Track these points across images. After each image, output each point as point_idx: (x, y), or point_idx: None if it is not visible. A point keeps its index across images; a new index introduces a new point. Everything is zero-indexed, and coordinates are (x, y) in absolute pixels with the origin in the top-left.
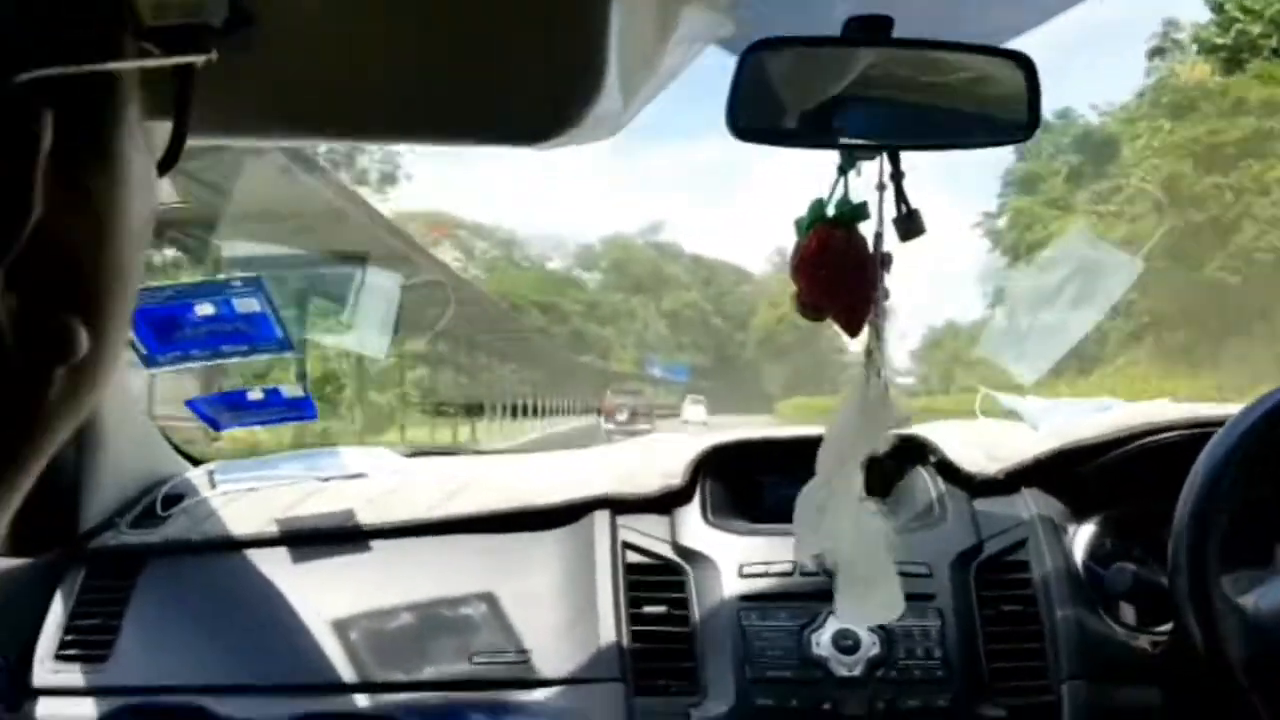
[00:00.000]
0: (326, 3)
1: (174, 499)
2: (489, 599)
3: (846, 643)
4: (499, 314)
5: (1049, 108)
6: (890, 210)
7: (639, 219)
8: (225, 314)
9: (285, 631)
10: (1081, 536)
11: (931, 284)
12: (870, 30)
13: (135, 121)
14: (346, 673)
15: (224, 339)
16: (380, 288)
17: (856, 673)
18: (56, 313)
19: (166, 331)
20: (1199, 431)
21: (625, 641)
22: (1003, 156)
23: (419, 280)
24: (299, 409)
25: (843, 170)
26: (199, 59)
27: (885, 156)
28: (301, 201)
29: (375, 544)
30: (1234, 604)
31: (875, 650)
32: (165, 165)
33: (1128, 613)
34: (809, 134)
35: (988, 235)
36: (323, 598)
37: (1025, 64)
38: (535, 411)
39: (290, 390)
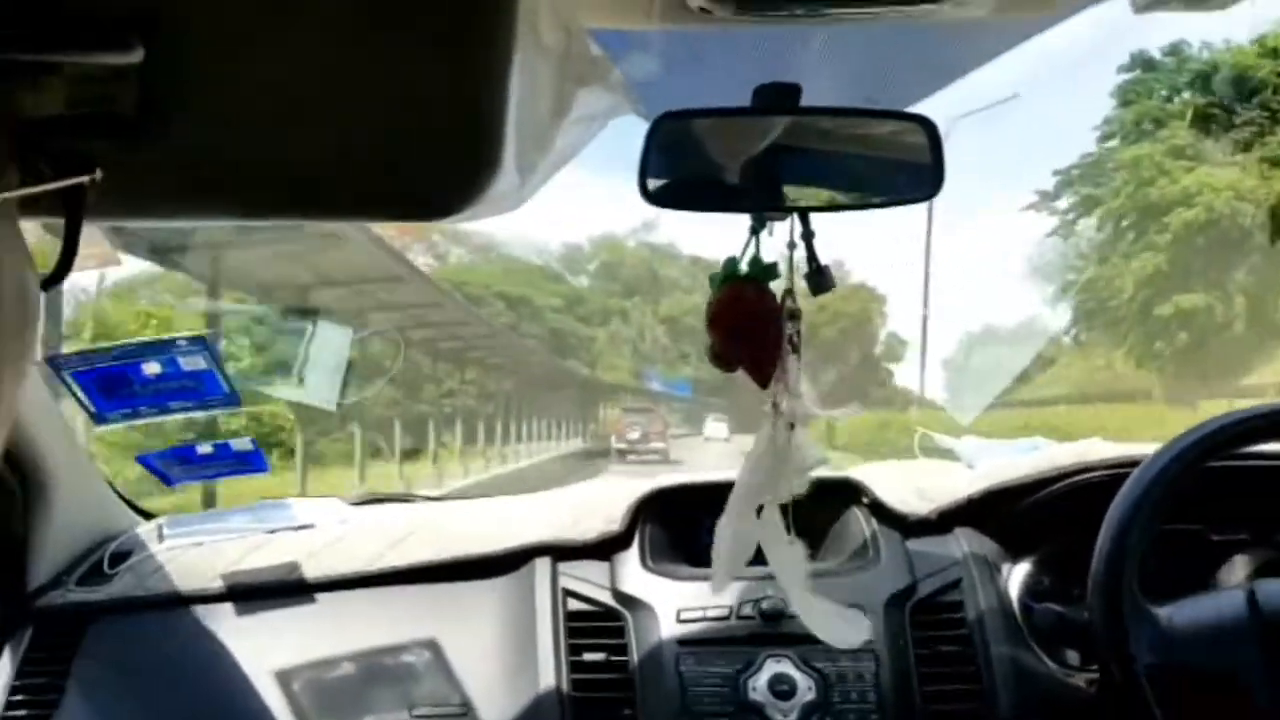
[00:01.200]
0: (223, 88)
1: (122, 555)
2: (431, 649)
3: (782, 688)
4: (461, 315)
5: (1157, 45)
6: (802, 266)
7: (631, 218)
8: (172, 372)
9: (229, 687)
10: (1015, 575)
11: (971, 283)
12: (779, 98)
13: (7, 226)
14: None
15: (171, 395)
16: (331, 340)
17: (792, 718)
18: None
19: (114, 389)
20: (1123, 471)
21: (565, 689)
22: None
23: (369, 332)
24: (248, 462)
25: (754, 230)
26: (84, 179)
27: (796, 216)
28: None
29: (318, 596)
30: (1148, 613)
31: (811, 695)
32: (52, 280)
33: (1064, 652)
34: (720, 200)
35: (1048, 219)
36: (266, 652)
37: (927, 126)
38: (507, 435)
39: (239, 444)
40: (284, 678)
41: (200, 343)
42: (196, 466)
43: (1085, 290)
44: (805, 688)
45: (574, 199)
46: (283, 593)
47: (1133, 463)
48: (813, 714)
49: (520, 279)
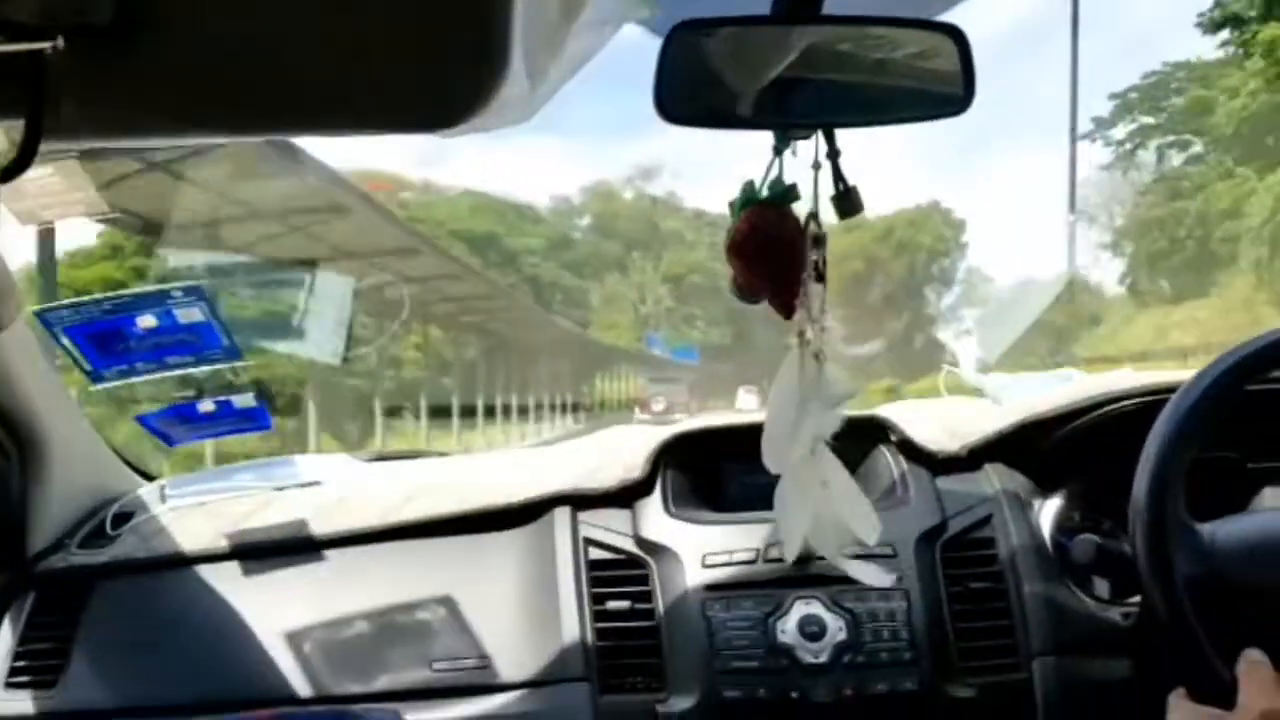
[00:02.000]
0: None
1: (124, 517)
2: (448, 604)
3: (812, 629)
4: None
5: None
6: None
7: (627, 164)
8: (168, 325)
9: (239, 647)
10: (1047, 510)
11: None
12: (800, 7)
13: None
14: (302, 687)
15: (169, 350)
16: (332, 292)
17: (823, 659)
18: None
19: (109, 345)
20: (1157, 398)
21: (589, 639)
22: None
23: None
24: (252, 419)
25: (777, 150)
26: (44, 46)
27: (821, 135)
28: None
29: (329, 553)
30: (1190, 527)
31: (841, 635)
32: (10, 172)
33: (1097, 585)
34: (743, 116)
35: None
36: (276, 611)
37: (957, 36)
38: (492, 412)
39: (242, 401)
40: (295, 638)
41: (196, 292)
42: (198, 425)
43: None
44: (836, 628)
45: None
46: (292, 550)
47: (1166, 389)
48: (844, 654)
49: (489, 218)
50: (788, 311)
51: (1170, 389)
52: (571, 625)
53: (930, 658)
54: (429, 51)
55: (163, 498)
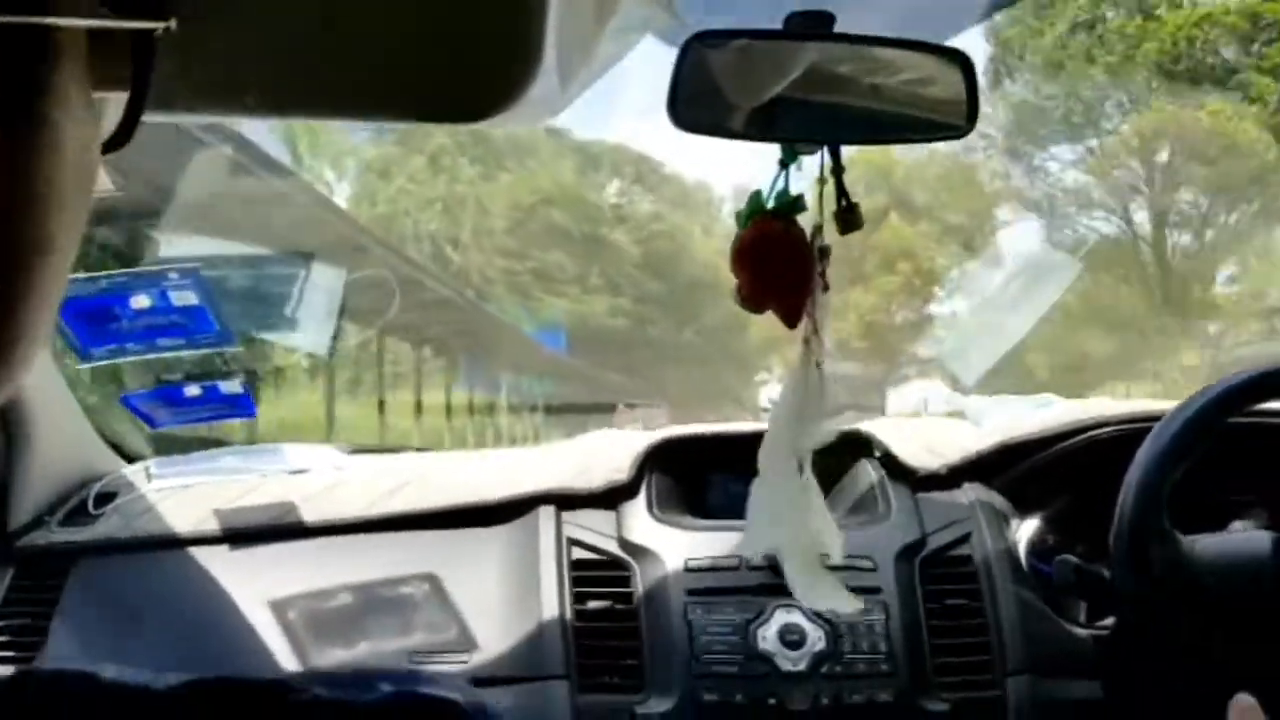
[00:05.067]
0: None
1: (108, 496)
2: (429, 597)
3: (792, 637)
4: None
5: None
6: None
7: None
8: (162, 306)
9: (218, 631)
10: (1025, 531)
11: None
12: (811, 25)
13: (75, 88)
14: (277, 671)
15: (160, 332)
16: (323, 283)
17: (801, 667)
18: None
19: (100, 323)
20: (1137, 426)
21: (569, 638)
22: None
23: (363, 275)
24: (236, 405)
25: (784, 164)
26: (157, 25)
27: (827, 150)
28: None
29: (312, 541)
30: (1170, 534)
31: (820, 645)
32: (114, 144)
33: (1072, 607)
34: (752, 129)
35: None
36: (256, 597)
37: (963, 62)
38: None
39: (228, 386)
40: (274, 625)
41: (192, 275)
42: (183, 409)
43: None
44: (815, 638)
45: None
46: (276, 536)
47: (1146, 418)
48: (823, 663)
49: None
50: (793, 320)
51: (1150, 418)
52: (552, 624)
53: (907, 670)
54: (465, 44)
55: (149, 478)
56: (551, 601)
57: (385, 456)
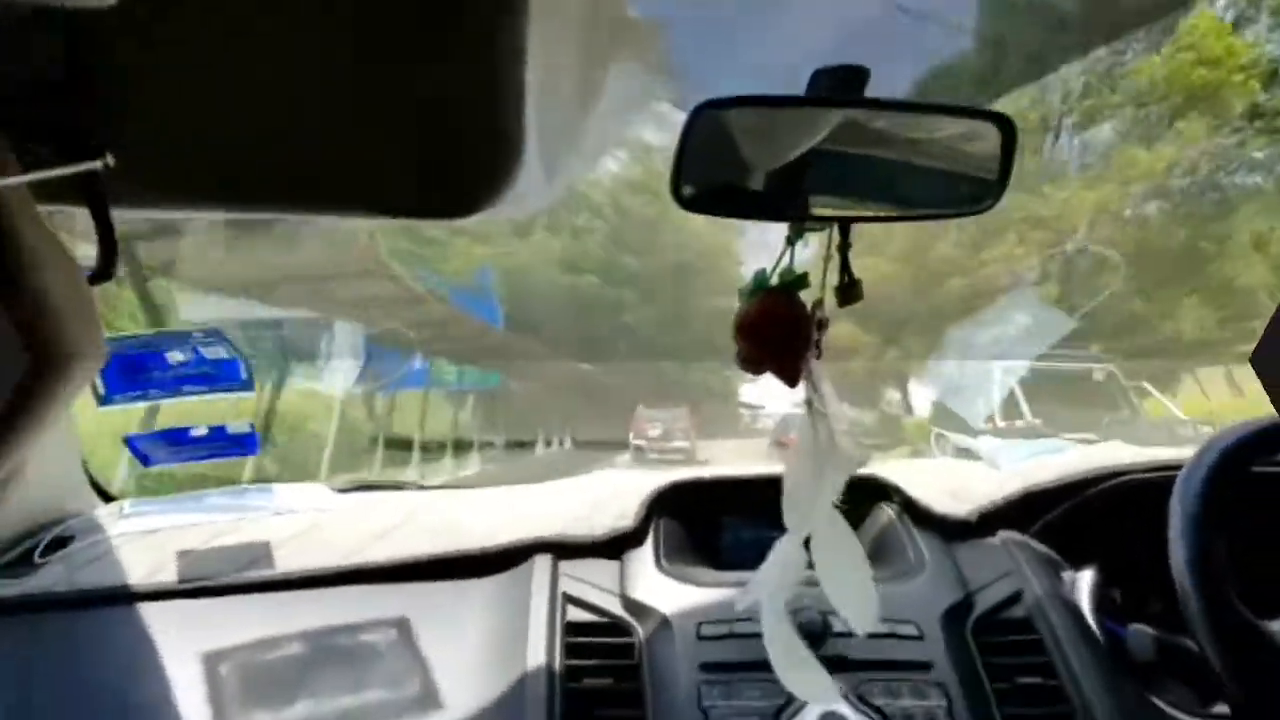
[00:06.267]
0: (255, 72)
1: (61, 542)
2: (404, 663)
3: None
4: None
5: None
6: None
7: None
8: (195, 360)
9: (155, 702)
10: (1081, 587)
11: None
12: (842, 85)
13: (44, 243)
14: None
15: (187, 380)
16: (345, 340)
17: None
18: None
19: (132, 375)
20: (1163, 475)
21: (556, 713)
22: None
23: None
24: (242, 444)
25: (790, 241)
26: (96, 165)
27: (835, 227)
28: None
29: (273, 596)
30: (1254, 626)
31: None
32: (99, 277)
33: (1167, 687)
34: (760, 208)
35: None
36: (202, 661)
37: (1005, 125)
38: None
39: (236, 426)
40: (220, 695)
41: (216, 333)
42: (187, 448)
43: None
44: None
45: None
46: (232, 592)
47: (1169, 466)
48: None
49: None
50: (791, 382)
51: (1171, 465)
52: (536, 693)
53: None
54: (445, 144)
55: (122, 517)
56: (538, 666)
57: (379, 494)
